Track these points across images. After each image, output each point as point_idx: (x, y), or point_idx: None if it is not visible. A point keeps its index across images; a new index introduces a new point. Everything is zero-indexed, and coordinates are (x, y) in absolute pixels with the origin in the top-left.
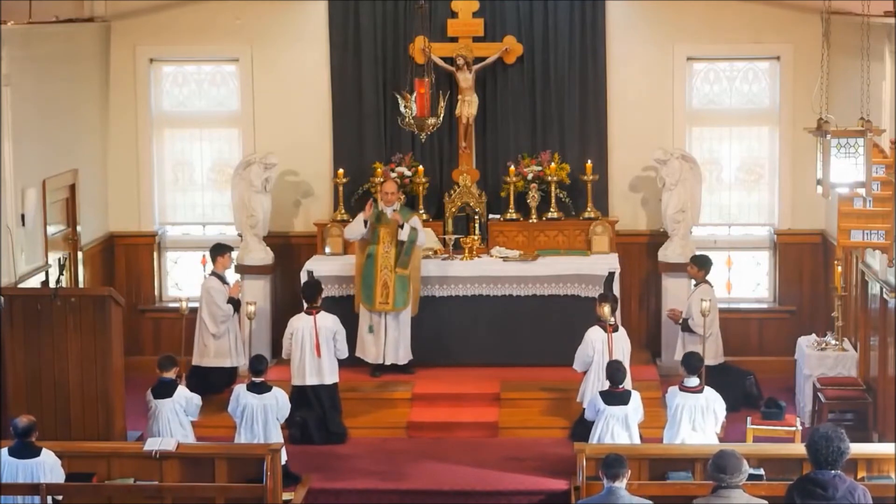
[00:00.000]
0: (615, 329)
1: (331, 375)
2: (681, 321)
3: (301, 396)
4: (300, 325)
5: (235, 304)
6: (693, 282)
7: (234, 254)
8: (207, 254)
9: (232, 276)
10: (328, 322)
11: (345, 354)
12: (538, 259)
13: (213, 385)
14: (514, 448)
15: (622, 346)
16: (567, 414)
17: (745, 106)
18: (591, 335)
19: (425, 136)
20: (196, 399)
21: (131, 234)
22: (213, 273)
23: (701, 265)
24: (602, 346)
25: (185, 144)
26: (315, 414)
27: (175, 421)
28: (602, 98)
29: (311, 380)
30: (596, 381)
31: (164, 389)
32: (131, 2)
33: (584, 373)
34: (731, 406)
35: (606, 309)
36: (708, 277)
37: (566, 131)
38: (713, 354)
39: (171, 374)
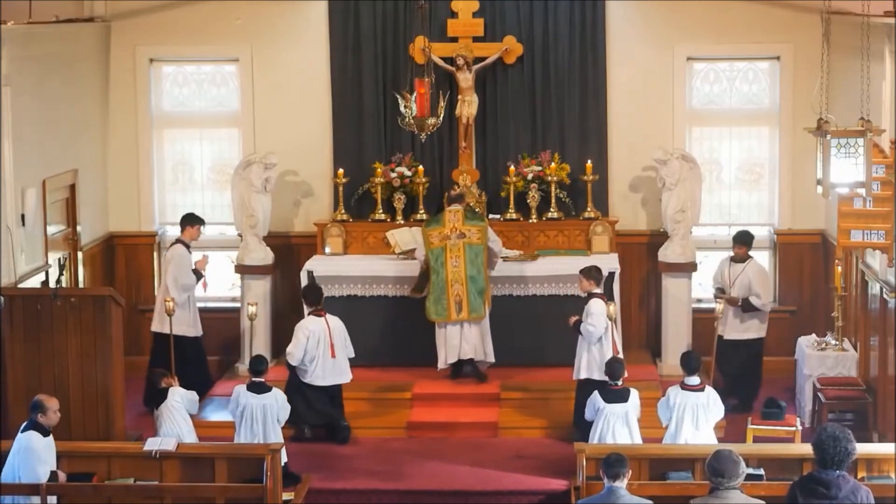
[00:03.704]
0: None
1: (349, 374)
2: (740, 302)
3: (315, 395)
4: (315, 327)
5: (200, 275)
6: (730, 261)
7: (204, 228)
8: (207, 254)
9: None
10: (337, 323)
11: (353, 353)
12: (538, 259)
13: (186, 358)
14: (514, 448)
15: None
16: (568, 414)
17: (745, 106)
18: (599, 307)
19: (425, 136)
20: (192, 395)
21: (131, 234)
22: (180, 241)
23: (750, 241)
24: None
25: (185, 144)
26: (324, 414)
27: (179, 418)
28: (602, 98)
29: (336, 379)
30: (609, 350)
31: (160, 396)
32: (131, 2)
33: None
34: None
35: (593, 281)
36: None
37: (566, 131)
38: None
39: (164, 384)
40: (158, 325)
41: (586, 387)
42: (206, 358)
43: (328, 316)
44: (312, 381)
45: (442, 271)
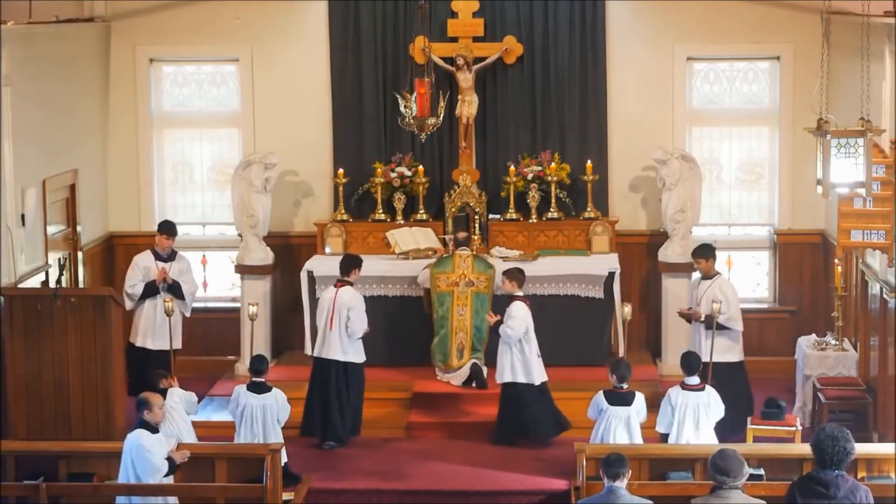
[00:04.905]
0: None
1: (340, 352)
2: (703, 318)
3: (321, 371)
4: (324, 296)
5: (154, 288)
6: (698, 275)
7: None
8: (207, 254)
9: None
10: (345, 296)
11: (357, 334)
12: (538, 259)
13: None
14: (514, 448)
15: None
16: (567, 414)
17: (745, 106)
18: (520, 310)
19: (425, 136)
20: (190, 396)
21: (131, 234)
22: (151, 249)
23: (709, 254)
24: (532, 319)
25: (185, 144)
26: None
27: (178, 418)
28: (602, 98)
29: (318, 351)
30: (530, 353)
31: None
32: (131, 2)
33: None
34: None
35: (515, 283)
36: (694, 276)
37: (566, 131)
38: (739, 350)
39: (163, 385)
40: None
41: (509, 391)
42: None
43: (344, 289)
44: (311, 351)
45: (447, 317)
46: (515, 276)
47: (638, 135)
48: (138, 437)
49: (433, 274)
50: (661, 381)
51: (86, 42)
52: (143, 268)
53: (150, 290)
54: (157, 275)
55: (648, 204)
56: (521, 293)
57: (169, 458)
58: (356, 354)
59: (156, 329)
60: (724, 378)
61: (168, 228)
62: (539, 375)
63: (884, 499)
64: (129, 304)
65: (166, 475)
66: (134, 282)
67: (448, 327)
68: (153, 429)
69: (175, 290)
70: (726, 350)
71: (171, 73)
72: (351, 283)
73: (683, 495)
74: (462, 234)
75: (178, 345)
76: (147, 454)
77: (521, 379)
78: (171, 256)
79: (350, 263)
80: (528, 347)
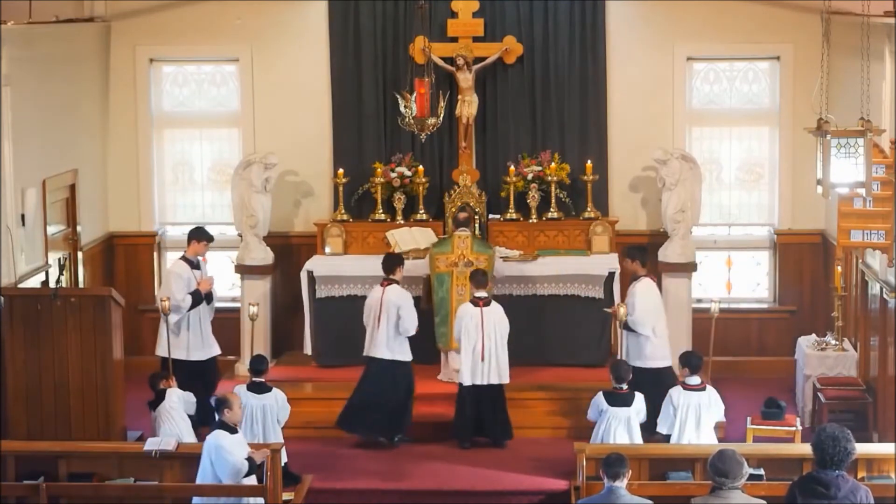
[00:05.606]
0: (486, 303)
1: (387, 350)
2: (622, 315)
3: (369, 369)
4: (373, 295)
5: (200, 298)
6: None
7: (221, 246)
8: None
9: (232, 272)
10: (393, 295)
11: (409, 331)
12: (538, 259)
13: (198, 379)
14: (514, 448)
15: (494, 321)
16: (567, 414)
17: (745, 106)
18: (459, 311)
19: (425, 136)
20: (189, 396)
21: (131, 234)
22: (183, 258)
23: (634, 256)
24: (472, 321)
25: (185, 144)
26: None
27: (178, 418)
28: (602, 98)
29: (367, 350)
30: (468, 359)
31: (158, 398)
32: (131, 2)
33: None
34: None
35: (472, 284)
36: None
37: (566, 131)
38: (661, 356)
39: (162, 386)
40: (158, 348)
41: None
42: (205, 384)
43: (391, 287)
44: (366, 352)
45: (447, 297)
46: (473, 276)
47: (638, 135)
48: (217, 438)
49: (432, 255)
50: None
51: (86, 42)
52: (185, 279)
53: (195, 301)
54: (202, 285)
55: (648, 204)
56: (483, 294)
57: (249, 458)
58: (403, 353)
59: (201, 339)
60: (647, 385)
61: (207, 235)
62: (467, 378)
63: (884, 499)
64: (174, 317)
65: (246, 475)
66: (183, 294)
67: (448, 308)
68: (232, 429)
69: (210, 298)
70: (642, 355)
71: (171, 73)
72: (397, 282)
73: (683, 495)
74: (463, 215)
75: (218, 350)
76: (227, 455)
77: (462, 379)
78: (197, 263)
79: (393, 262)
80: (460, 350)
